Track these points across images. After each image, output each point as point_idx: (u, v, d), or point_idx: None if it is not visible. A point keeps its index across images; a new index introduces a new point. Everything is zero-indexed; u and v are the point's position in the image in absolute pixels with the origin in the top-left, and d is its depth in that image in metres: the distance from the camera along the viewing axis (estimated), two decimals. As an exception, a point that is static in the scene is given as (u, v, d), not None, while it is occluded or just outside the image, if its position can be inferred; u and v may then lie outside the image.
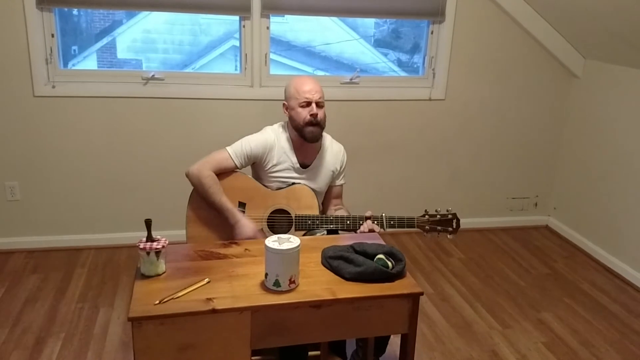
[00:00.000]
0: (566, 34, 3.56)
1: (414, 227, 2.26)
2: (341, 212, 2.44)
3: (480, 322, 2.83)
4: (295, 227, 2.28)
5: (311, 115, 2.26)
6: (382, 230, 2.25)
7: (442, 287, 3.15)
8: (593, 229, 3.63)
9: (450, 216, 2.27)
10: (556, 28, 3.56)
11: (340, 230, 2.31)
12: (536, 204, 4.03)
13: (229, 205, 2.24)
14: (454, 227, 2.27)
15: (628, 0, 2.73)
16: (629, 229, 3.32)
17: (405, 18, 3.64)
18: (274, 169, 2.35)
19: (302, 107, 2.27)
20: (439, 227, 2.26)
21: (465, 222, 3.79)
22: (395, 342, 2.11)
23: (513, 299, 3.05)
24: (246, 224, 2.23)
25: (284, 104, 2.37)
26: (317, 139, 2.33)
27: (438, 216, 2.26)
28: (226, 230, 2.29)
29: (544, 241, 3.83)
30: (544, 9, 3.46)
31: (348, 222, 2.26)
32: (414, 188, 3.77)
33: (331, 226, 2.29)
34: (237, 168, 2.33)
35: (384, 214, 2.26)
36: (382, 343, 2.24)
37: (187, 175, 2.29)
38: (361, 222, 2.25)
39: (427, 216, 2.27)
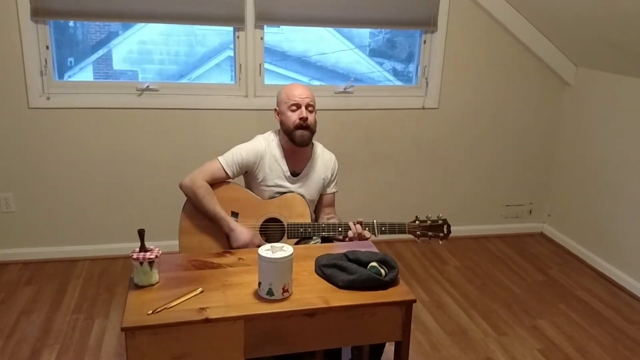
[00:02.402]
0: (558, 42, 3.59)
1: (405, 233, 2.28)
2: (333, 222, 2.45)
3: (475, 329, 2.83)
4: (288, 235, 2.28)
5: (300, 118, 2.27)
6: (373, 236, 2.26)
7: (437, 295, 3.15)
8: (587, 236, 3.64)
9: (440, 222, 2.29)
10: (547, 36, 3.59)
11: (333, 237, 2.32)
12: (531, 211, 4.05)
13: (223, 214, 2.26)
14: (445, 232, 2.29)
15: (618, 8, 2.76)
16: (623, 236, 3.34)
17: (397, 28, 3.67)
18: (266, 177, 2.36)
19: (292, 110, 2.29)
20: (430, 233, 2.28)
21: (460, 230, 3.84)
22: (390, 350, 2.11)
23: (508, 306, 3.05)
24: (241, 231, 2.24)
25: (275, 109, 2.39)
26: (307, 142, 2.33)
27: (429, 222, 2.29)
28: (219, 241, 2.30)
29: (539, 248, 3.84)
30: (536, 18, 3.49)
31: (340, 229, 2.27)
32: (408, 196, 3.78)
33: (323, 233, 2.30)
34: (230, 177, 2.35)
35: (375, 220, 2.27)
36: (377, 351, 2.24)
37: (181, 187, 2.31)
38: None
39: (417, 222, 2.29)
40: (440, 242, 2.29)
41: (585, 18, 3.07)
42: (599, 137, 3.53)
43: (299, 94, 2.31)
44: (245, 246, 2.22)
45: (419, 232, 2.28)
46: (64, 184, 3.30)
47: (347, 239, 2.27)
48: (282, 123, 2.35)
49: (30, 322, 2.75)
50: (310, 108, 2.32)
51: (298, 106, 2.29)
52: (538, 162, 3.96)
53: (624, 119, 3.31)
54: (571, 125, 3.78)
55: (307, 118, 2.28)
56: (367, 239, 2.26)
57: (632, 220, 3.26)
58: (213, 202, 2.25)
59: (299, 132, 2.28)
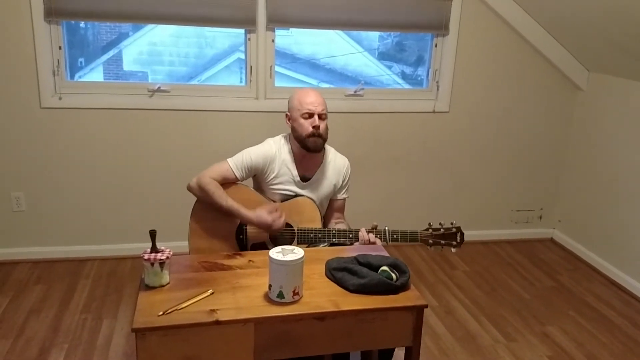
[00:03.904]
0: (570, 46, 3.57)
1: (417, 241, 2.24)
2: (341, 226, 2.43)
3: (484, 335, 2.81)
4: (298, 241, 2.27)
5: (313, 127, 2.26)
6: (384, 243, 2.24)
7: (446, 300, 3.13)
8: (598, 242, 3.61)
9: (454, 230, 2.24)
10: (560, 41, 3.57)
11: (343, 243, 2.30)
12: (541, 217, 4.02)
13: (237, 205, 2.23)
14: (458, 240, 2.24)
15: (631, 13, 2.74)
16: (634, 242, 3.31)
17: (409, 31, 3.66)
18: (275, 181, 2.35)
19: (305, 118, 2.28)
20: (442, 241, 2.23)
21: (470, 235, 3.77)
22: (399, 355, 2.10)
23: (518, 312, 3.03)
24: (260, 216, 2.21)
25: (286, 114, 2.38)
26: (320, 149, 2.32)
27: (442, 230, 2.24)
28: (229, 243, 2.29)
29: (549, 254, 3.81)
30: (548, 22, 3.48)
31: (351, 235, 2.25)
32: (417, 200, 3.77)
33: (334, 239, 2.28)
34: (238, 180, 2.33)
35: (386, 227, 2.25)
36: (386, 356, 2.23)
37: (189, 189, 2.30)
38: None
39: (430, 230, 2.24)
40: (453, 250, 2.24)
41: (598, 23, 3.05)
42: (611, 142, 3.50)
43: (312, 101, 2.29)
44: (268, 227, 2.21)
45: (431, 241, 2.23)
46: (75, 184, 3.31)
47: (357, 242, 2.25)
48: (294, 129, 2.33)
49: (39, 321, 2.75)
50: (322, 116, 2.30)
51: (311, 114, 2.28)
52: (549, 167, 3.93)
53: (637, 125, 3.28)
54: (583, 130, 3.76)
55: (319, 126, 2.27)
56: None
57: (644, 227, 3.23)
58: (224, 196, 2.24)
59: (311, 139, 2.27)
